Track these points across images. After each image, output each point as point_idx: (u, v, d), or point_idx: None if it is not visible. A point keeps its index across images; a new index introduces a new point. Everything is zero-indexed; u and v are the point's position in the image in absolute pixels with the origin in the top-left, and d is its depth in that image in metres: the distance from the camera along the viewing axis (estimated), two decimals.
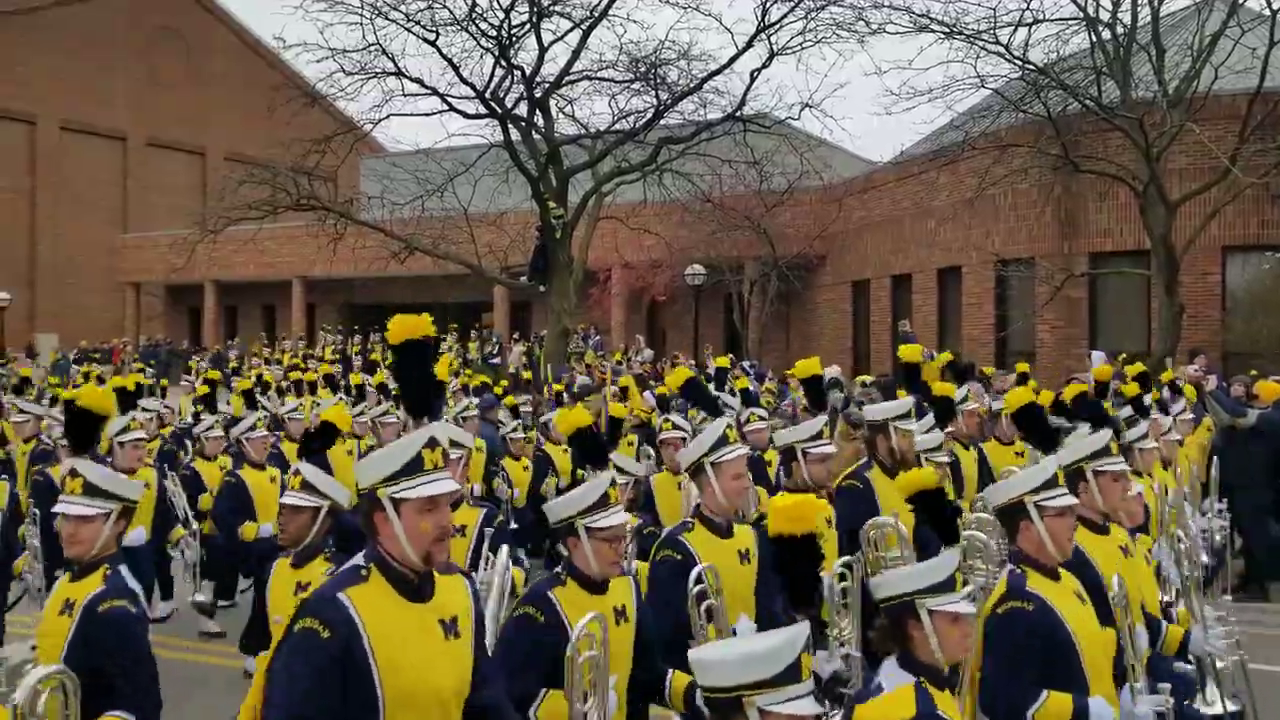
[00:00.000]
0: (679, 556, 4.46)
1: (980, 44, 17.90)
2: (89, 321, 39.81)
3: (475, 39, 20.60)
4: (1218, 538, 7.05)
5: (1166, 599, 5.52)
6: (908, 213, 24.88)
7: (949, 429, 7.89)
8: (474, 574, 4.28)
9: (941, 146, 20.80)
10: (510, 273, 24.88)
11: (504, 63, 20.79)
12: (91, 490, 4.08)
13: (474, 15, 20.24)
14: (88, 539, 4.05)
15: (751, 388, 11.81)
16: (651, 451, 9.49)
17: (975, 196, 19.76)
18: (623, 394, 12.82)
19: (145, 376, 16.25)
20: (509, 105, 21.37)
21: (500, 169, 21.90)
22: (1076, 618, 3.97)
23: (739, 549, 4.62)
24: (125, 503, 4.18)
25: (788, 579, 3.50)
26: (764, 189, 23.05)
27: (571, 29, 21.15)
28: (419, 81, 21.09)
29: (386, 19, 20.23)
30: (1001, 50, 17.84)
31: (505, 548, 4.22)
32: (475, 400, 11.71)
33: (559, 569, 3.89)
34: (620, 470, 6.24)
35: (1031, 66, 17.89)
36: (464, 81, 20.93)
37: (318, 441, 6.67)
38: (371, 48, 20.54)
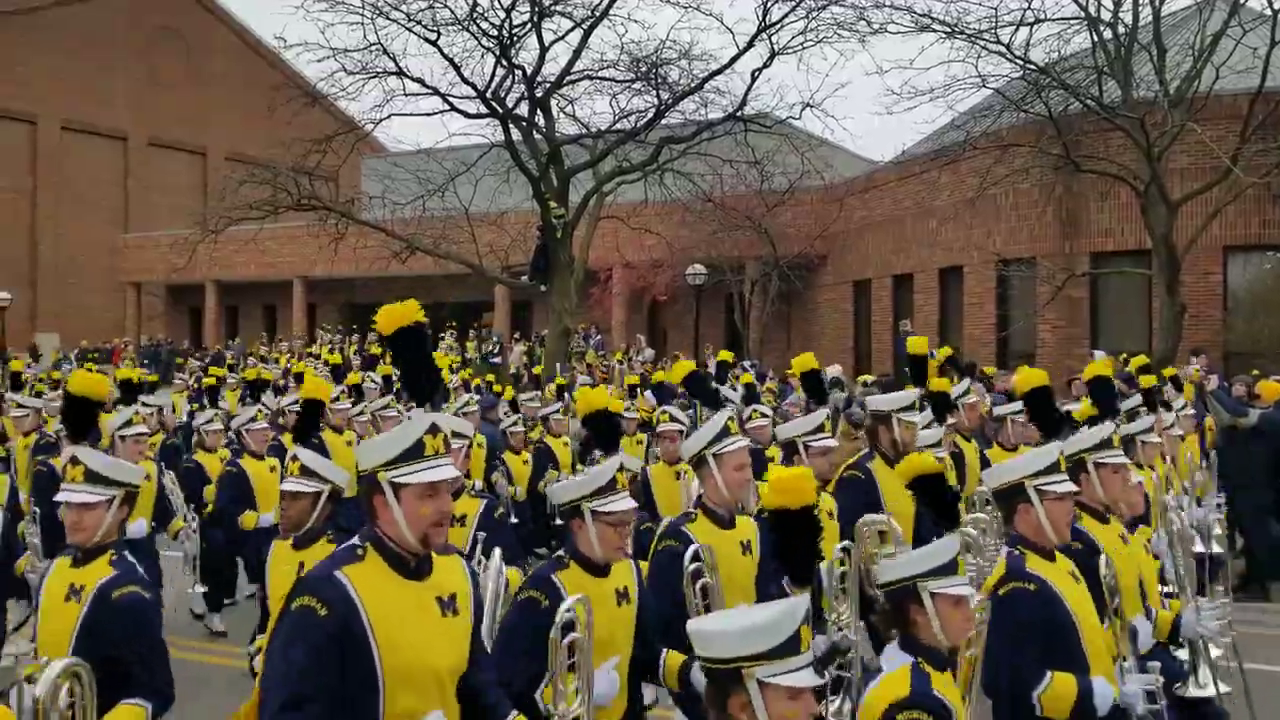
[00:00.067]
0: (681, 545, 4.46)
1: (981, 44, 17.91)
2: (90, 321, 39.82)
3: (476, 39, 20.65)
4: (1216, 529, 7.05)
5: (1166, 590, 5.53)
6: (909, 212, 24.88)
7: (951, 422, 7.90)
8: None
9: (943, 146, 20.78)
10: (511, 272, 24.89)
11: (505, 62, 20.82)
12: (93, 477, 4.08)
13: (475, 15, 20.29)
14: (91, 526, 4.04)
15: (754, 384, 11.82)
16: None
17: (976, 196, 19.75)
18: (631, 392, 12.85)
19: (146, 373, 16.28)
20: (510, 105, 21.40)
21: (501, 169, 21.93)
22: (1074, 598, 4.00)
23: (741, 540, 4.64)
24: (127, 488, 4.18)
25: (786, 554, 3.49)
26: (765, 189, 23.06)
27: (572, 28, 21.21)
28: (420, 81, 21.13)
29: (387, 19, 20.29)
30: (1003, 50, 17.86)
31: (498, 550, 4.21)
32: (476, 396, 11.72)
33: (561, 552, 3.90)
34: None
35: (1033, 66, 17.89)
36: (465, 81, 20.97)
37: (307, 420, 6.65)
38: (372, 47, 20.60)
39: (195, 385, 19.78)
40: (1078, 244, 20.46)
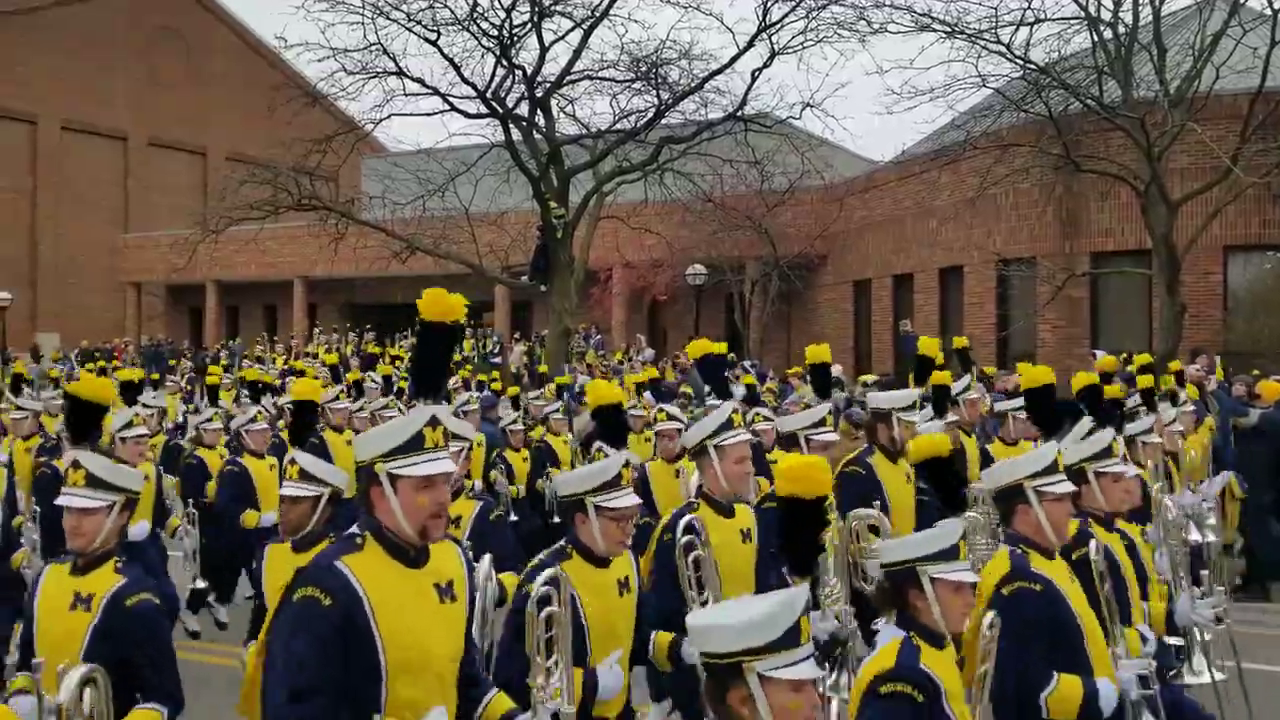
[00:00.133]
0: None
1: (982, 43, 17.92)
2: (90, 321, 39.80)
3: (476, 39, 20.66)
4: (1210, 519, 7.07)
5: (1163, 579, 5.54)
6: (909, 212, 24.87)
7: (953, 418, 7.91)
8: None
9: (943, 146, 20.78)
10: (511, 272, 24.89)
11: (505, 62, 20.82)
12: (94, 482, 4.07)
13: (475, 15, 20.30)
14: (90, 531, 4.03)
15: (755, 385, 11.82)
16: None
17: (977, 196, 19.74)
18: (638, 391, 12.81)
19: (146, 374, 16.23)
20: (510, 105, 21.40)
21: (501, 169, 21.93)
22: (1076, 598, 3.99)
23: (741, 528, 4.67)
24: (128, 494, 4.17)
25: (790, 544, 3.49)
26: (765, 189, 23.06)
27: (573, 28, 21.21)
28: (420, 81, 21.14)
29: (388, 19, 20.29)
30: (1003, 50, 17.86)
31: (487, 557, 4.20)
32: (476, 395, 11.73)
33: (563, 543, 3.90)
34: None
35: (1033, 66, 17.89)
36: (465, 81, 20.98)
37: (302, 421, 6.65)
38: (373, 47, 20.60)
39: (188, 387, 19.82)
40: (1078, 244, 20.46)
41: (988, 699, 3.61)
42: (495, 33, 20.40)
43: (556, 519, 8.97)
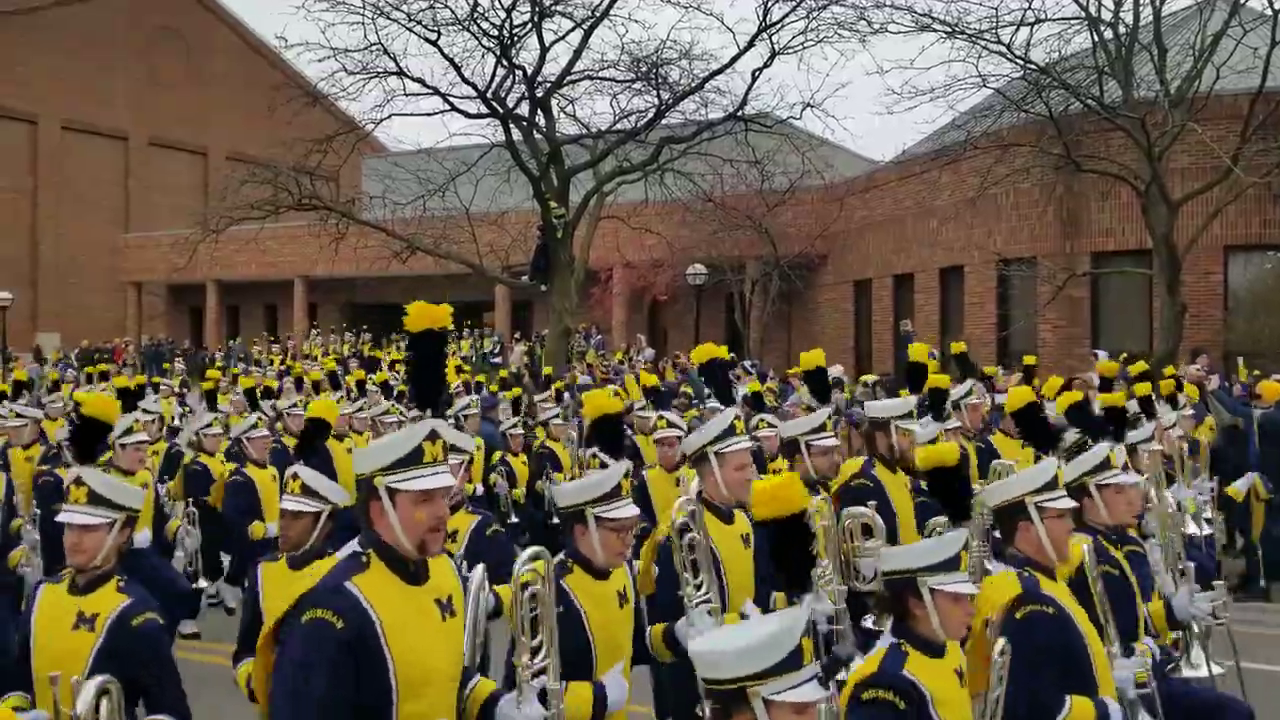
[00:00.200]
0: None
1: (982, 43, 17.92)
2: (91, 321, 39.82)
3: (477, 39, 20.64)
4: (1207, 512, 7.08)
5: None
6: (909, 212, 24.87)
7: (955, 425, 7.89)
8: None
9: (943, 146, 20.77)
10: (512, 272, 24.88)
11: (505, 62, 20.81)
12: (96, 499, 4.08)
13: (475, 15, 20.28)
14: (91, 548, 4.03)
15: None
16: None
17: (977, 196, 19.75)
18: (647, 394, 12.69)
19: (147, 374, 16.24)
20: (510, 105, 21.39)
21: (502, 168, 21.92)
22: (1081, 617, 3.99)
23: (741, 534, 4.65)
24: (129, 512, 4.17)
25: (781, 563, 3.50)
26: (765, 188, 23.05)
27: (573, 29, 21.20)
28: (420, 81, 21.12)
29: (388, 19, 20.27)
30: (1003, 50, 17.86)
31: (480, 567, 4.21)
32: (476, 398, 11.72)
33: (563, 556, 3.89)
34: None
35: (1033, 66, 17.89)
36: (465, 81, 20.97)
37: (312, 439, 6.64)
38: (373, 47, 20.57)
39: (181, 389, 19.80)
40: (1078, 244, 20.46)
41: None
42: (495, 33, 20.39)
43: (555, 519, 8.97)
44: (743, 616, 4.37)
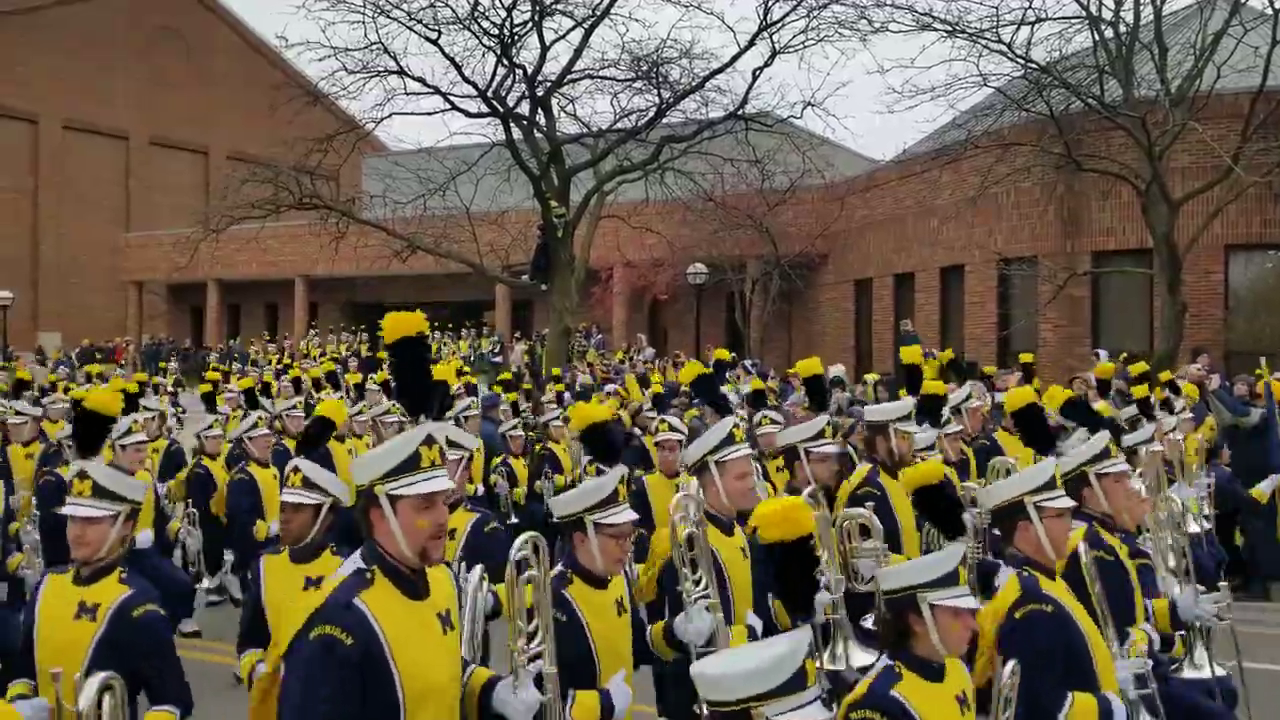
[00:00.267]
0: None
1: (983, 43, 17.90)
2: (92, 321, 39.87)
3: (477, 38, 20.64)
4: (1206, 509, 7.07)
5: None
6: (910, 211, 24.86)
7: (956, 429, 7.88)
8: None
9: (944, 145, 20.76)
10: (512, 271, 24.89)
11: (506, 61, 20.81)
12: (100, 492, 4.10)
13: (476, 14, 20.27)
14: (94, 541, 4.06)
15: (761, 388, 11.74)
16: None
17: (978, 195, 19.73)
18: (653, 401, 12.66)
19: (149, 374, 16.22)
20: (511, 104, 21.40)
21: (502, 168, 21.92)
22: (1080, 614, 4.00)
23: (741, 546, 4.65)
24: (133, 505, 4.20)
25: (786, 587, 3.50)
26: (766, 188, 23.05)
27: (574, 28, 21.20)
28: (421, 80, 21.12)
29: (389, 18, 20.27)
30: (1004, 49, 17.84)
31: (479, 568, 4.22)
32: (477, 400, 11.70)
33: (562, 568, 3.90)
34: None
35: (1034, 65, 17.88)
36: (466, 80, 20.96)
37: (315, 436, 6.65)
38: (374, 46, 20.58)
39: (174, 389, 19.80)
40: (1079, 243, 20.45)
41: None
42: (496, 32, 20.39)
43: (554, 519, 8.96)
44: (748, 629, 4.40)
